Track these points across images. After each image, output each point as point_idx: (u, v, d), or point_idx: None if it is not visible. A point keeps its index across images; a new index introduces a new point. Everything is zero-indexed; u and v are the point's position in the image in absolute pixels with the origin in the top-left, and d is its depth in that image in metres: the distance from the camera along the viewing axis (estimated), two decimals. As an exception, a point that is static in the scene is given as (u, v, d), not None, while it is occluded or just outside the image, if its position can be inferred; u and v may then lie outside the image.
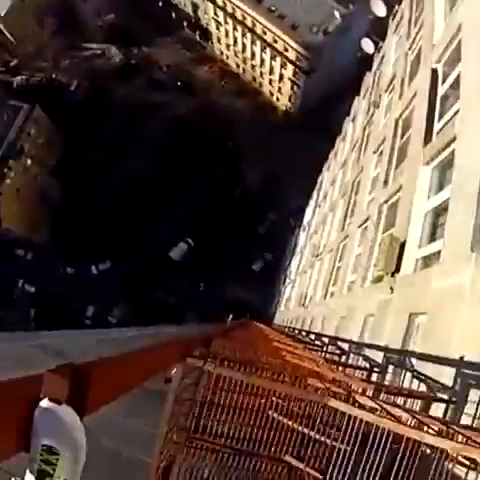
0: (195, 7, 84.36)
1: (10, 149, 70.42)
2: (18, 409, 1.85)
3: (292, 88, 75.71)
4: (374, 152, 26.18)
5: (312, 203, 56.61)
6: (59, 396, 1.95)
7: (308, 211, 58.70)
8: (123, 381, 2.93)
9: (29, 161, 72.12)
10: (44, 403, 1.95)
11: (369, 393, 6.88)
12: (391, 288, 16.20)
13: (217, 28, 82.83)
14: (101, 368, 2.29)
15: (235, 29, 78.60)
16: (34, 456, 1.88)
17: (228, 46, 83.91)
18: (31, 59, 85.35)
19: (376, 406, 5.31)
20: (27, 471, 1.89)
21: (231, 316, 54.07)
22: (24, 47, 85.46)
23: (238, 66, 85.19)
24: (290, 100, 78.68)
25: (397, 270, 16.05)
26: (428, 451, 5.40)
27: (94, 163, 73.44)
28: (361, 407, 5.18)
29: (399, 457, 5.31)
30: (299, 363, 8.18)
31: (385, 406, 5.37)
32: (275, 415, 7.08)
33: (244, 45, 79.45)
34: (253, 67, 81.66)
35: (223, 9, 77.42)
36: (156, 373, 5.02)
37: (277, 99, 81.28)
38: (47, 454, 1.90)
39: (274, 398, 7.13)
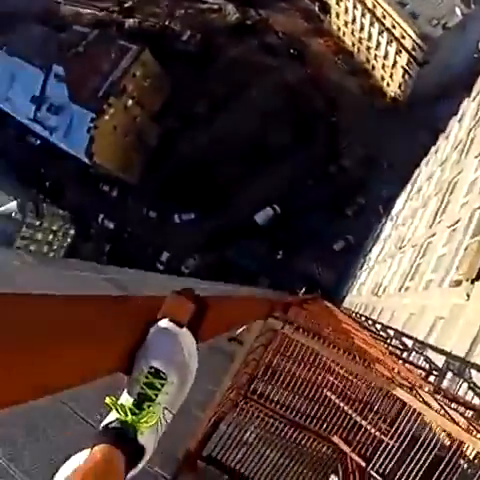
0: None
1: (113, 87, 71.26)
2: (128, 327, 1.85)
3: (404, 76, 74.18)
4: (476, 156, 25.58)
5: (404, 195, 55.88)
6: (181, 318, 1.93)
7: (399, 202, 57.98)
8: (227, 319, 3.14)
9: (130, 101, 72.86)
10: (164, 323, 1.92)
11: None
12: (468, 295, 15.94)
13: (337, 3, 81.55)
14: (214, 301, 2.29)
15: (355, 7, 77.25)
16: (138, 377, 1.81)
17: (346, 23, 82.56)
18: (146, 3, 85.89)
19: (436, 405, 5.31)
20: (124, 393, 1.81)
21: (304, 289, 54.12)
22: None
23: (353, 45, 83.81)
24: (400, 88, 77.11)
25: (478, 278, 15.76)
26: (470, 463, 5.42)
27: (196, 115, 73.61)
28: (423, 402, 5.24)
29: (443, 463, 5.36)
30: (365, 348, 8.24)
31: (445, 407, 5.38)
32: (333, 396, 7.24)
33: (362, 25, 78.02)
34: (368, 49, 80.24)
35: (345, -15, 76.44)
36: (248, 322, 5.11)
37: (387, 85, 79.78)
38: (153, 377, 1.81)
39: (333, 379, 7.36)
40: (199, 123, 72.61)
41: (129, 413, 1.74)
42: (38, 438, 5.69)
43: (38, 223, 73.24)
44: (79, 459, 1.55)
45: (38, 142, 78.88)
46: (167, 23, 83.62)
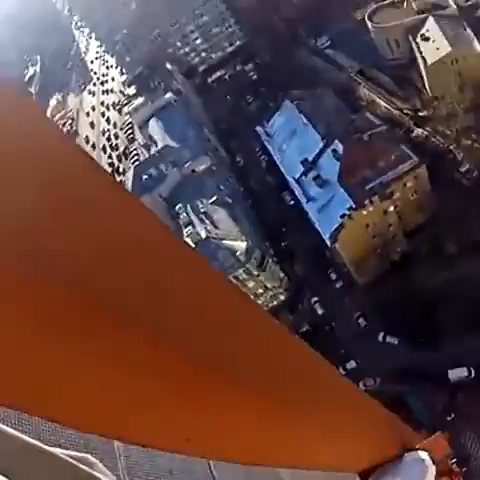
0: None
1: (381, 187, 71.64)
2: (388, 441, 2.06)
3: None
4: None
5: None
6: (437, 457, 2.11)
7: None
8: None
9: (392, 208, 73.20)
10: (424, 455, 2.12)
11: None
12: None
13: None
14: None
15: None
16: None
17: None
18: (439, 120, 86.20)
19: None
20: None
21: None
22: (437, 106, 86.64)
23: None
24: None
25: None
26: None
27: (443, 249, 71.92)
28: None
29: None
30: None
31: None
32: None
33: None
34: None
35: None
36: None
37: None
38: None
39: None
40: (443, 257, 71.89)
41: None
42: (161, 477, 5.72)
43: (256, 273, 75.25)
44: None
45: (291, 203, 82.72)
46: (451, 148, 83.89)
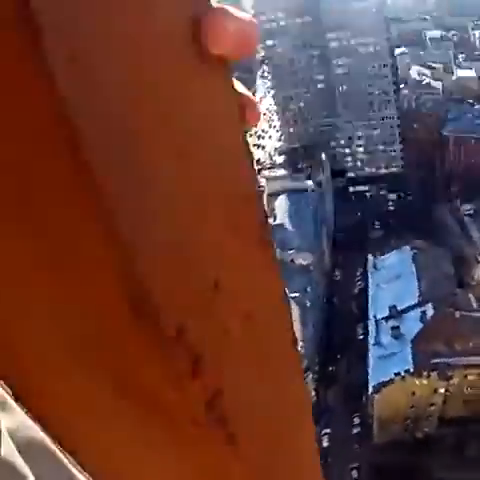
0: None
1: (445, 367, 72.95)
2: None
3: None
4: None
5: None
6: None
7: None
8: None
9: (442, 390, 75.57)
10: None
11: None
12: None
13: None
14: None
15: None
16: None
17: None
18: None
19: None
20: None
21: None
22: None
23: None
24: None
25: None
26: None
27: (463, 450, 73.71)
28: None
29: None
30: None
31: None
32: None
33: None
34: None
35: None
36: None
37: None
38: None
39: None
40: (463, 457, 71.86)
41: None
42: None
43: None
44: None
45: (360, 337, 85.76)
46: None
